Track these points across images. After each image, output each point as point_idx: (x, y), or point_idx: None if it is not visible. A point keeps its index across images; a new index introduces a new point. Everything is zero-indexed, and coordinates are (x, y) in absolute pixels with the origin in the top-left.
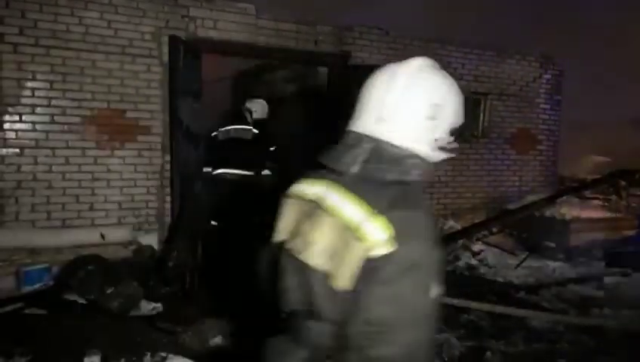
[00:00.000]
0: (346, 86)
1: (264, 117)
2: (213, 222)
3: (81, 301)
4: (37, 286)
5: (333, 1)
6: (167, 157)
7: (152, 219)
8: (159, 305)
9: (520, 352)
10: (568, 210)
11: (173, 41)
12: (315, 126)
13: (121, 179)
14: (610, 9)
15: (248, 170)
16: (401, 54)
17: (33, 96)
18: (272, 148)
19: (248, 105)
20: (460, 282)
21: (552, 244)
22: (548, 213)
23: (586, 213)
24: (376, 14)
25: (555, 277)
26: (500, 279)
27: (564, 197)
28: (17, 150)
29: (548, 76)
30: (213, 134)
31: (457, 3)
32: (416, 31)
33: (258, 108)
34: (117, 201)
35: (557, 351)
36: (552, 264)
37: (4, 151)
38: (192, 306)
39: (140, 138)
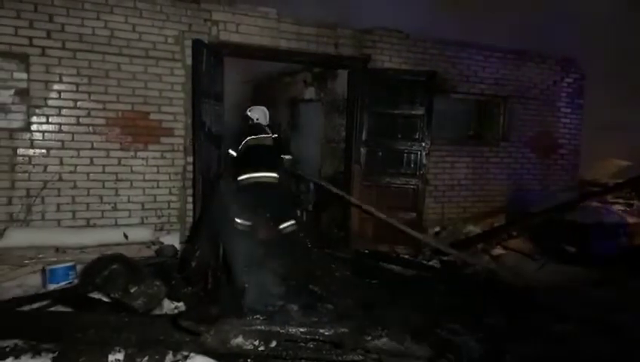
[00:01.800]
0: (366, 89)
1: (267, 123)
2: (238, 220)
3: (106, 299)
4: (62, 284)
5: (354, 4)
6: (190, 159)
7: (174, 220)
8: (181, 304)
9: (540, 356)
10: (589, 214)
11: (196, 44)
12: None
13: (144, 180)
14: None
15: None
16: (420, 58)
17: (60, 98)
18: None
19: (249, 113)
20: (477, 286)
21: (573, 249)
22: (568, 217)
23: (608, 218)
24: (396, 17)
25: (575, 282)
26: (520, 283)
27: (585, 202)
28: (44, 151)
29: (569, 79)
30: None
31: (478, 5)
32: (436, 34)
33: (260, 115)
34: (140, 202)
35: (577, 355)
36: (572, 269)
37: (31, 151)
38: (213, 306)
39: (163, 140)
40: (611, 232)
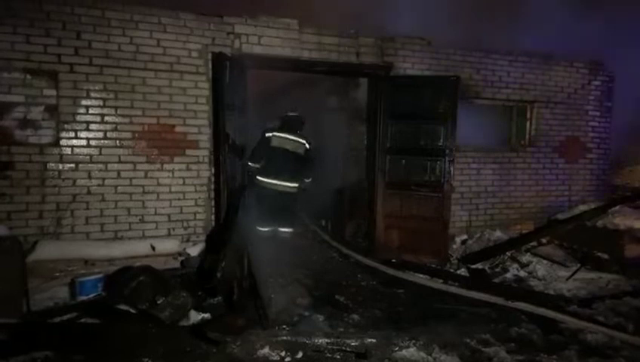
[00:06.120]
0: (389, 96)
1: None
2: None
3: (133, 311)
4: (91, 296)
5: (375, 13)
6: (215, 170)
7: (200, 231)
8: (208, 315)
9: None
10: (622, 220)
11: (219, 57)
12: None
13: (170, 192)
14: None
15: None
16: (444, 64)
17: (87, 113)
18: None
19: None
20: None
21: (605, 256)
22: (600, 223)
23: None
24: (418, 24)
25: (609, 290)
26: (551, 291)
27: (617, 207)
28: (73, 165)
29: (597, 82)
30: (267, 135)
31: (502, 9)
32: (459, 40)
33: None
34: (166, 214)
35: None
36: (605, 276)
37: (60, 166)
38: (239, 316)
39: (188, 152)
40: None
